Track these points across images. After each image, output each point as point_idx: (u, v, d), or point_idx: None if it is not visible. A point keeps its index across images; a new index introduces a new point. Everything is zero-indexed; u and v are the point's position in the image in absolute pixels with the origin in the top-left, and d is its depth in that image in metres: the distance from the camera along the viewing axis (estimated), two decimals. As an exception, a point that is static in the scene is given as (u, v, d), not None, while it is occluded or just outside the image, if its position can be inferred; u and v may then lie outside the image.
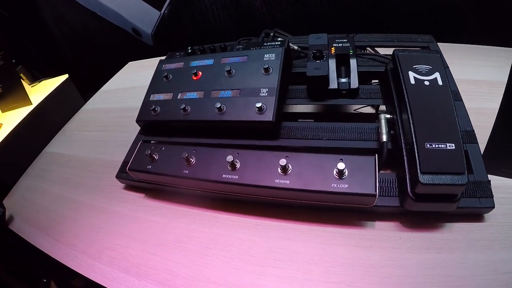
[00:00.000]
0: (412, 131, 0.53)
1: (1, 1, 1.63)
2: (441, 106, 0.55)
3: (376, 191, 0.52)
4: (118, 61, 1.34)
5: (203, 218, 0.67)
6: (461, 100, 0.67)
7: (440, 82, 0.57)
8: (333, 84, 0.69)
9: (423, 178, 0.49)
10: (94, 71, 1.57)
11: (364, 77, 0.73)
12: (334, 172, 0.55)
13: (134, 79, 1.18)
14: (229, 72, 0.71)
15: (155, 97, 0.78)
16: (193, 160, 0.64)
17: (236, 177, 0.59)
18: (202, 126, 0.71)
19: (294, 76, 0.77)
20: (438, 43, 0.82)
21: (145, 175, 0.69)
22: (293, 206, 0.62)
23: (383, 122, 0.61)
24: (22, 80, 1.10)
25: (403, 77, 0.59)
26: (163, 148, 0.69)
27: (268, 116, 0.63)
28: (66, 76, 1.17)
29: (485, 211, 0.56)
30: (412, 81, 0.58)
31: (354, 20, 1.27)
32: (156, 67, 0.83)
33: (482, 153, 0.59)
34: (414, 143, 0.51)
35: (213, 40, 0.94)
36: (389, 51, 0.81)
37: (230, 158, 0.59)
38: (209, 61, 0.77)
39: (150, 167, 0.68)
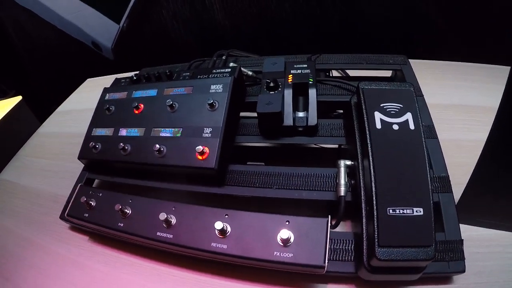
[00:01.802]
0: (373, 191, 0.43)
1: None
2: (412, 159, 0.45)
3: (325, 262, 0.43)
4: (80, 76, 1.24)
5: (145, 269, 0.58)
6: (436, 137, 0.57)
7: (411, 126, 0.47)
8: (288, 120, 0.58)
9: (380, 253, 0.40)
10: (56, 86, 1.46)
11: (326, 107, 0.63)
12: (278, 239, 0.45)
13: (90, 99, 1.02)
14: (171, 106, 0.61)
15: (96, 131, 0.68)
16: (128, 211, 0.55)
17: (171, 236, 0.50)
18: (142, 168, 0.61)
19: (249, 105, 0.67)
20: (413, 60, 0.72)
21: (82, 222, 0.61)
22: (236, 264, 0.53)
23: (342, 171, 0.52)
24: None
25: (368, 118, 0.48)
26: (101, 194, 0.60)
27: (210, 162, 0.54)
28: (19, 98, 1.06)
29: (454, 275, 0.47)
30: (378, 125, 0.48)
31: (323, 31, 1.15)
32: (97, 100, 0.74)
33: (456, 202, 0.50)
34: (374, 207, 0.42)
35: (175, 54, 0.83)
36: (357, 73, 0.72)
37: (163, 216, 0.50)
38: (152, 92, 0.66)
39: (86, 215, 0.59)
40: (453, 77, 0.79)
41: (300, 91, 0.61)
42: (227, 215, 0.49)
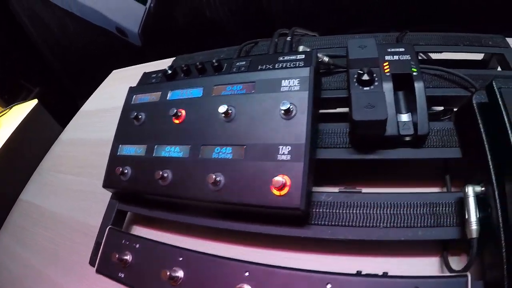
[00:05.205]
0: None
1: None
2: None
3: None
4: (106, 68, 1.06)
5: None
6: None
7: None
8: (392, 128, 0.39)
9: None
10: (80, 79, 1.32)
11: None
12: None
13: (117, 95, 0.85)
14: (226, 113, 0.42)
15: (123, 150, 0.50)
16: (180, 276, 0.38)
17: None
18: (190, 204, 0.43)
19: (325, 102, 0.47)
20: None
21: (118, 284, 0.45)
22: None
23: (471, 202, 0.33)
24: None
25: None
26: (138, 246, 0.43)
27: (294, 199, 0.35)
28: (35, 101, 0.90)
29: None
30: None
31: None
32: (125, 98, 0.55)
33: None
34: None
35: (212, 36, 0.63)
36: (439, 56, 0.53)
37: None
38: (197, 92, 0.47)
39: (122, 275, 0.43)
40: None
41: (400, 84, 0.41)
42: (329, 284, 0.32)
